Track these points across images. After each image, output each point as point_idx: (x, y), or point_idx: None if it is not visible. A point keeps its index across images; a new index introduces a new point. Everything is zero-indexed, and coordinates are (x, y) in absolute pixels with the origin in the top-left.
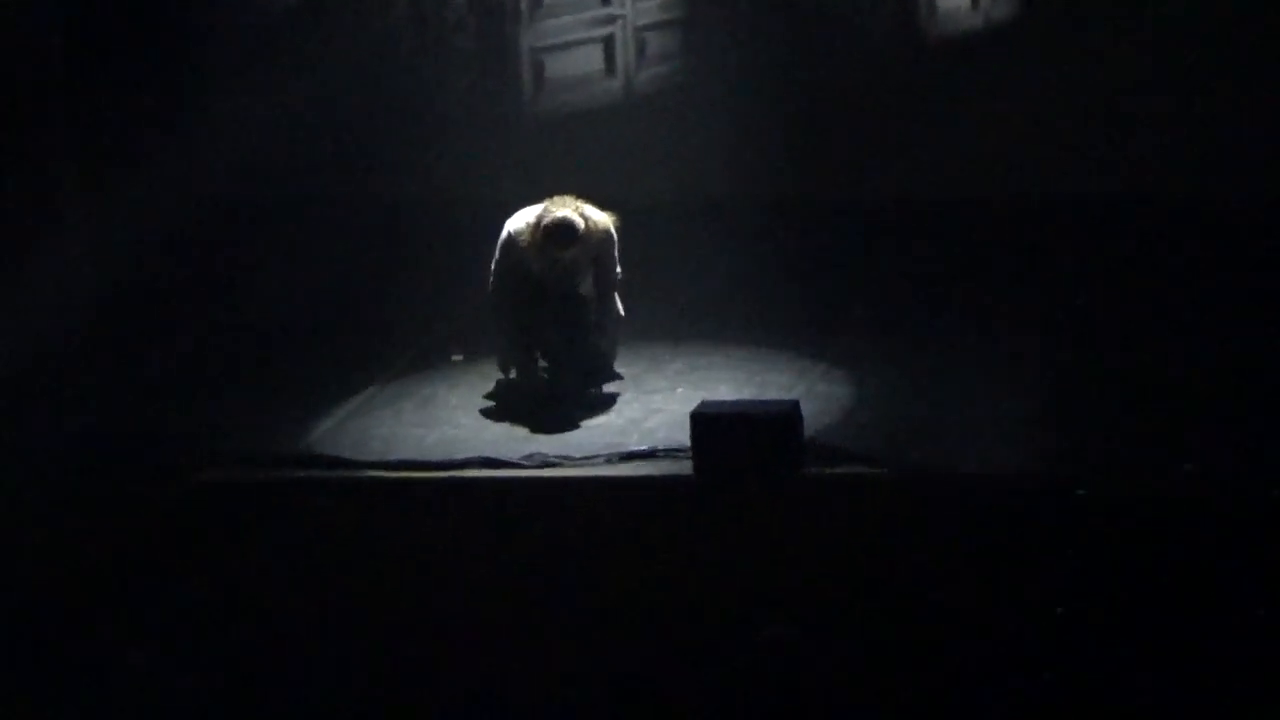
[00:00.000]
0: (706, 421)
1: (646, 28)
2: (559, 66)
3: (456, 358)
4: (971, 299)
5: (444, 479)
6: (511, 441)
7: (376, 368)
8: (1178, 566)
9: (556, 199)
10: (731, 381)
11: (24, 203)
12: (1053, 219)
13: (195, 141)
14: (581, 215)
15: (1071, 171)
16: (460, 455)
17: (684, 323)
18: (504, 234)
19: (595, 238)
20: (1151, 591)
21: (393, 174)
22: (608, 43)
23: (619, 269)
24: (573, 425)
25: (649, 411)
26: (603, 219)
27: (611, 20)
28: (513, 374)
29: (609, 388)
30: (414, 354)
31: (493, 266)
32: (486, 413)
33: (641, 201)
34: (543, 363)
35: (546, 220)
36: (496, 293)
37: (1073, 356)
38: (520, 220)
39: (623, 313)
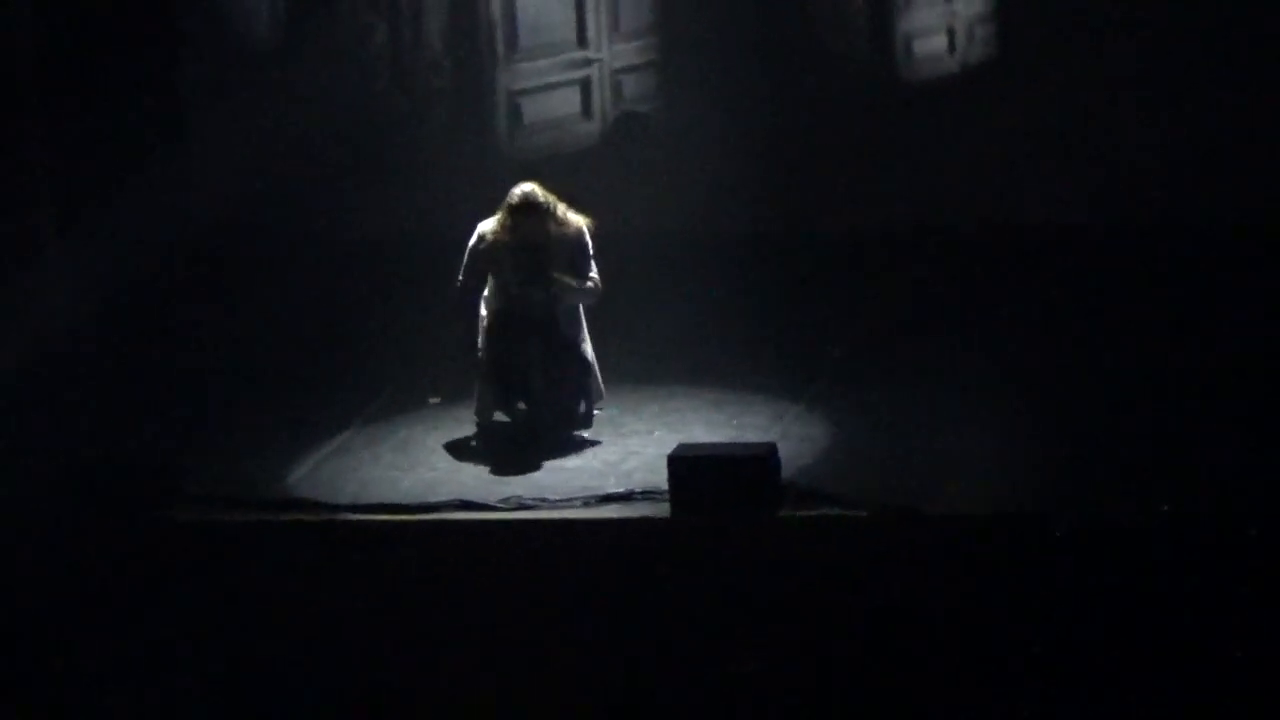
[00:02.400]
0: (683, 464)
1: (622, 70)
2: (536, 109)
3: (434, 400)
4: (946, 336)
5: (420, 522)
6: (488, 484)
7: (353, 409)
8: (1155, 604)
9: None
10: (708, 423)
11: (2, 238)
12: (1029, 253)
13: (171, 180)
14: (551, 200)
15: (1044, 205)
16: (437, 498)
17: (660, 364)
18: (474, 236)
19: (568, 229)
20: (1129, 629)
21: (370, 215)
22: (584, 85)
23: (596, 274)
24: (550, 468)
25: (626, 454)
26: (576, 216)
27: (588, 63)
28: (498, 415)
29: (586, 431)
30: (391, 396)
31: (461, 267)
32: (463, 456)
33: (618, 242)
34: (521, 405)
35: (512, 192)
36: (461, 293)
37: (1049, 393)
38: (489, 220)
39: (592, 358)
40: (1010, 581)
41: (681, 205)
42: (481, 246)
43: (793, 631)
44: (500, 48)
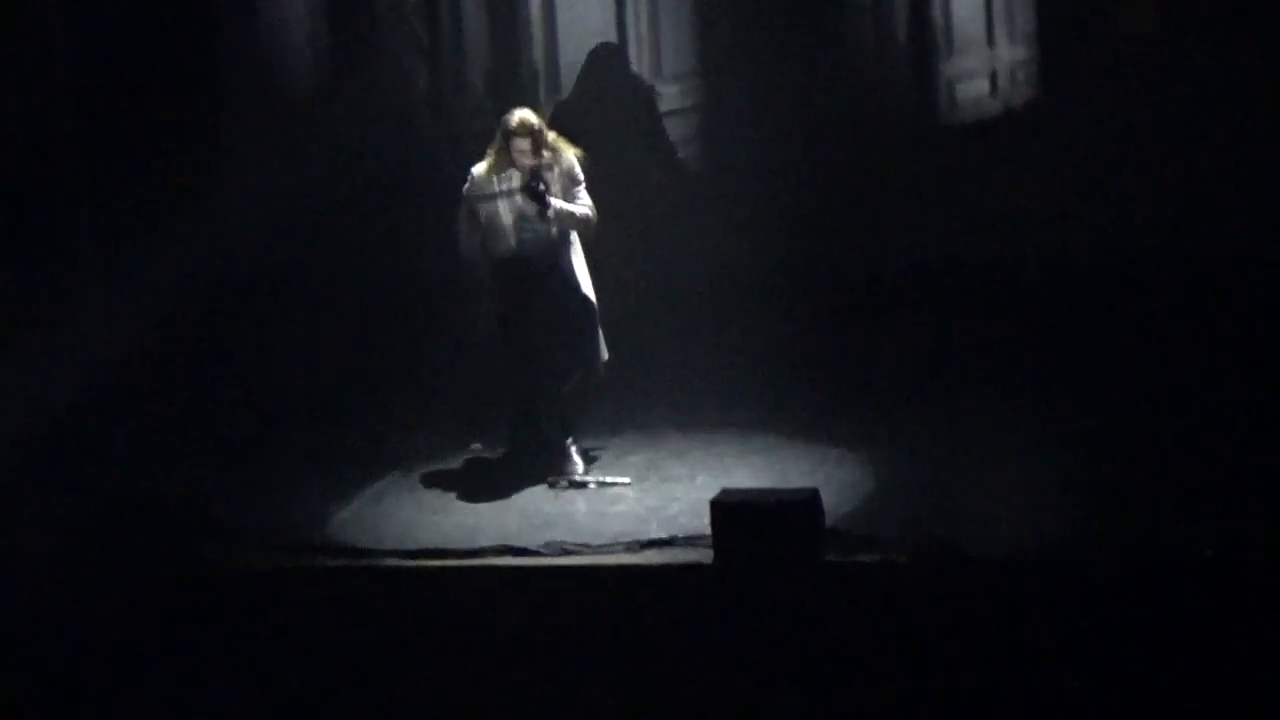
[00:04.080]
0: (726, 509)
1: (666, 114)
2: None
3: (475, 446)
4: (988, 377)
5: (463, 567)
6: (531, 529)
7: (396, 454)
8: (1198, 646)
9: None
10: (750, 468)
11: (39, 277)
12: (1071, 293)
13: (212, 222)
14: (545, 127)
15: (1084, 248)
16: (479, 543)
17: (703, 410)
18: (466, 183)
19: (560, 156)
20: (1172, 671)
21: (413, 257)
22: None
23: (589, 202)
24: (592, 513)
25: (668, 499)
26: (568, 146)
27: None
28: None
29: (619, 476)
30: (433, 441)
31: (459, 218)
32: (505, 500)
33: (658, 285)
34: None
35: (506, 118)
36: (464, 251)
37: (1092, 435)
38: (481, 164)
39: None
40: (1053, 625)
41: (722, 246)
42: (477, 183)
43: (836, 677)
44: (543, 91)
